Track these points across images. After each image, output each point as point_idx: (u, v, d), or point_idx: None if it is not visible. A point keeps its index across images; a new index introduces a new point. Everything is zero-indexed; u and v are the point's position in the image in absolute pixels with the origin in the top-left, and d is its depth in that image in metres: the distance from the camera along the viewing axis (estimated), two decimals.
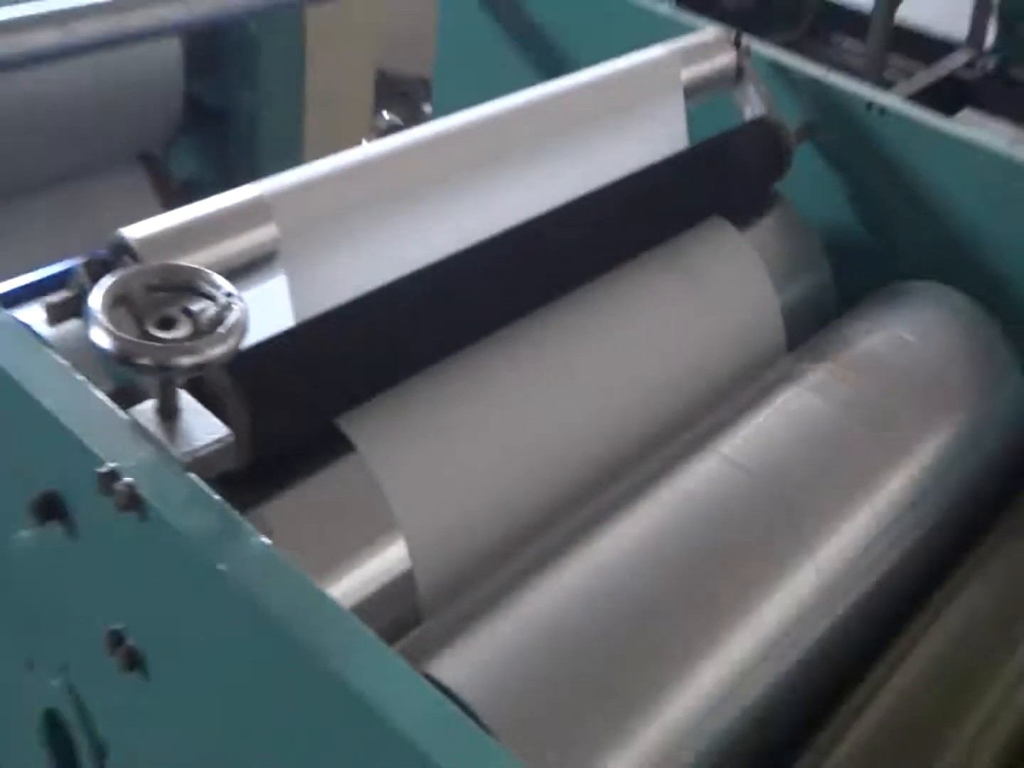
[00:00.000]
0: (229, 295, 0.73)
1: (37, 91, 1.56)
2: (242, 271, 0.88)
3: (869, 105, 1.25)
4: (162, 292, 0.74)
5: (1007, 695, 0.89)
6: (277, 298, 0.90)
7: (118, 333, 0.69)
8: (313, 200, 0.93)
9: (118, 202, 1.90)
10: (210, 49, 1.95)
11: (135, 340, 0.69)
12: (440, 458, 0.90)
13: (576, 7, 1.53)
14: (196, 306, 0.74)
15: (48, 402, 0.72)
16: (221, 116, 2.01)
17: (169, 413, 0.72)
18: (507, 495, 0.91)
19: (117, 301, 0.72)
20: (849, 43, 4.39)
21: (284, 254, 0.89)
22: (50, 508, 0.73)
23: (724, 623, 0.83)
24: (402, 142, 1.01)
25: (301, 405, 0.86)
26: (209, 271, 0.74)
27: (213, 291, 0.73)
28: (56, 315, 0.82)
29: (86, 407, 0.72)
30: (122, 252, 0.84)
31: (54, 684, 0.75)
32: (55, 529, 0.73)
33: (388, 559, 0.86)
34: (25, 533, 0.76)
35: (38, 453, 0.74)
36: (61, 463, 0.72)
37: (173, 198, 1.95)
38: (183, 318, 0.72)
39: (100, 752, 0.74)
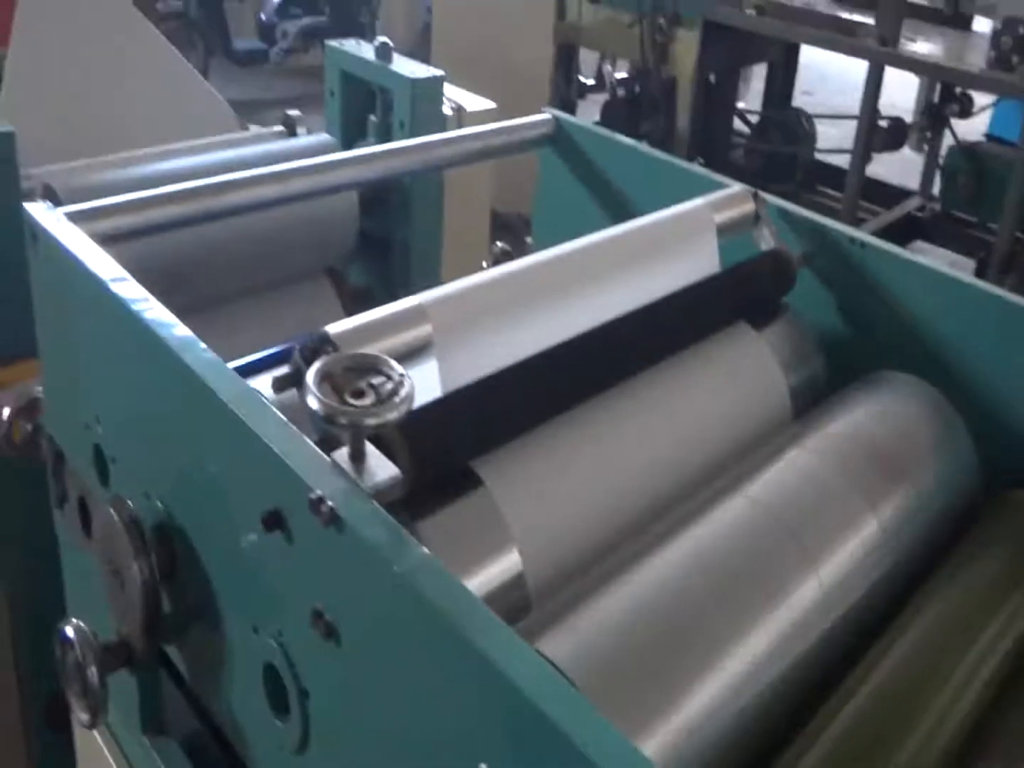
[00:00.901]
0: (401, 375, 0.75)
1: (259, 224, 1.60)
2: (406, 357, 0.90)
3: (852, 240, 1.24)
4: (354, 372, 0.76)
5: (956, 695, 0.84)
6: (430, 376, 0.92)
7: (326, 401, 0.72)
8: (456, 307, 0.95)
9: (312, 302, 1.95)
10: (377, 196, 2.00)
11: (337, 406, 0.71)
12: (544, 490, 0.90)
13: (636, 169, 1.55)
14: (377, 381, 0.76)
15: (274, 445, 0.74)
16: (384, 243, 2.04)
17: (358, 457, 0.74)
18: (593, 517, 0.92)
19: (324, 378, 0.74)
20: (830, 192, 4.38)
21: (436, 345, 0.91)
22: (275, 521, 0.74)
23: (748, 619, 0.81)
24: (517, 266, 1.03)
25: (446, 452, 0.87)
26: (387, 358, 0.76)
27: (390, 372, 0.75)
28: (279, 385, 0.85)
29: (300, 450, 0.74)
30: (325, 341, 0.87)
31: (272, 644, 0.76)
32: (277, 536, 0.75)
33: (506, 564, 0.86)
34: (254, 536, 0.78)
35: (267, 480, 0.75)
36: (283, 489, 0.74)
37: (350, 300, 2.00)
38: (369, 390, 0.74)
39: (304, 696, 0.75)
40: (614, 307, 1.04)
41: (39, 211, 1.10)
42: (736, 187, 1.31)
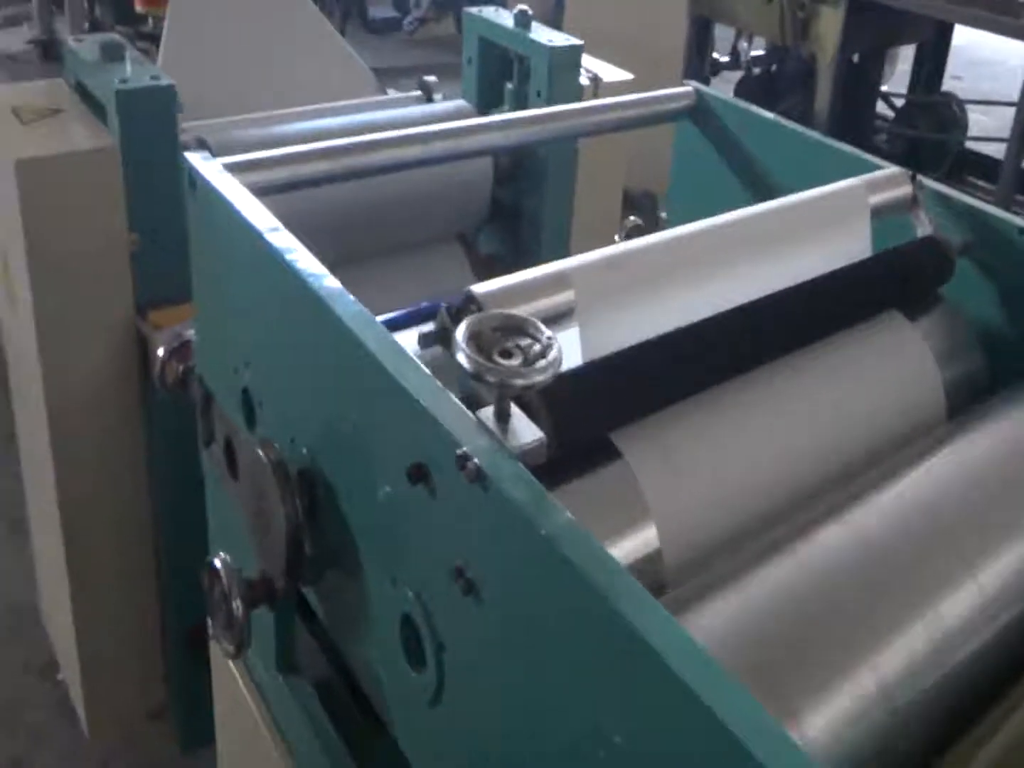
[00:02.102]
0: (549, 339, 0.74)
1: (397, 187, 1.61)
2: (548, 322, 0.89)
3: (1021, 230, 1.17)
4: (502, 332, 0.76)
5: None
6: (571, 343, 0.91)
7: (475, 357, 0.71)
8: (600, 275, 0.94)
9: (445, 266, 1.97)
10: (511, 164, 1.99)
11: (485, 363, 0.71)
12: (684, 466, 0.88)
13: (780, 146, 1.49)
14: (524, 343, 0.75)
15: (421, 400, 0.74)
16: (515, 213, 2.04)
17: (503, 417, 0.73)
18: (732, 499, 0.89)
19: (472, 337, 0.74)
20: (981, 183, 4.16)
21: (578, 312, 0.90)
22: (419, 475, 0.75)
23: (903, 618, 0.77)
24: (661, 238, 1.01)
25: (586, 421, 0.86)
26: (536, 320, 0.75)
27: (538, 334, 0.75)
28: (425, 342, 0.86)
29: (446, 406, 0.74)
30: (471, 302, 0.87)
31: (410, 596, 0.77)
32: (421, 490, 0.75)
33: (643, 539, 0.85)
34: (395, 488, 0.79)
35: (412, 434, 0.76)
36: (428, 443, 0.74)
37: (480, 267, 2.01)
38: (516, 351, 0.74)
39: (439, 648, 0.75)
40: (761, 285, 1.01)
41: (198, 160, 1.13)
42: (892, 168, 1.25)
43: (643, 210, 2.60)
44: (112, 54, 1.57)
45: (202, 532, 1.29)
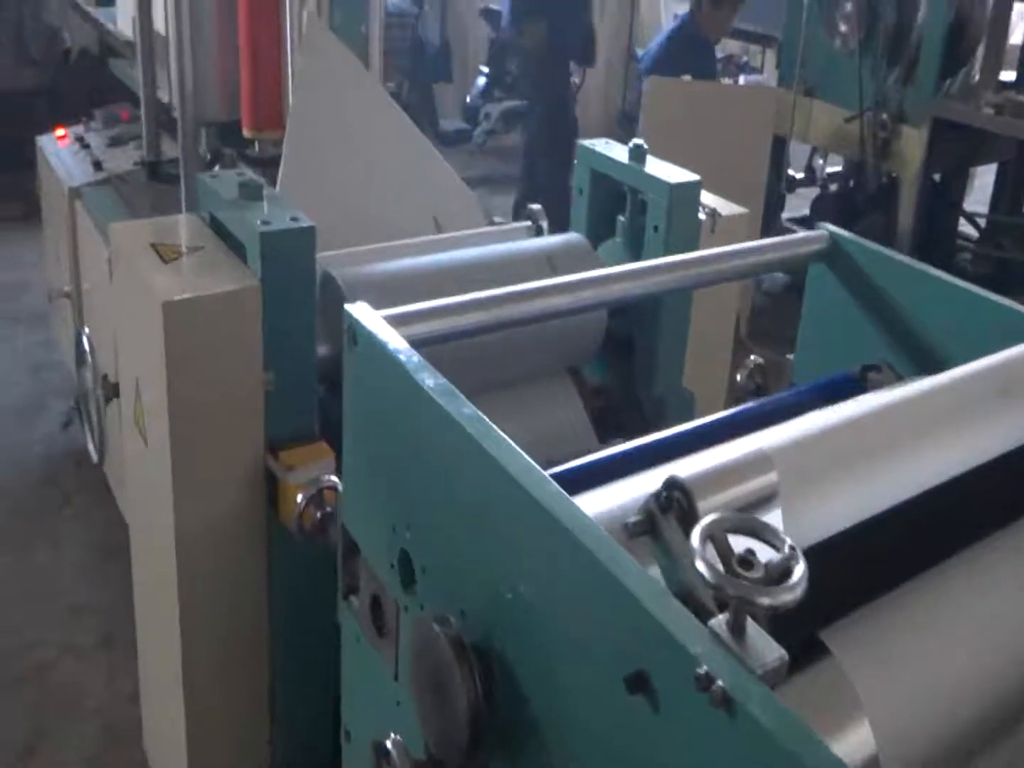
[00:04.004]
0: (792, 550, 0.71)
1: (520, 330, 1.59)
2: (751, 506, 0.86)
3: None
4: (736, 535, 0.73)
5: None
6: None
7: (717, 567, 0.68)
8: (803, 455, 0.91)
9: (554, 398, 1.97)
10: None
11: (728, 576, 0.68)
12: (900, 663, 0.83)
13: (927, 297, 1.46)
14: (760, 549, 0.72)
15: (645, 603, 0.71)
16: (627, 344, 2.03)
17: (739, 630, 0.70)
18: (952, 698, 0.84)
19: (708, 539, 0.71)
20: None
21: (782, 496, 0.87)
22: (639, 684, 0.71)
23: None
24: (859, 410, 0.98)
25: (794, 618, 0.82)
26: (775, 527, 0.72)
27: (778, 543, 0.72)
28: (633, 532, 0.83)
29: (672, 612, 0.71)
30: (676, 488, 0.84)
31: None
32: (639, 700, 0.71)
33: (856, 741, 0.80)
34: (603, 690, 0.75)
35: (630, 637, 0.73)
36: (651, 651, 0.70)
37: (589, 398, 2.00)
38: (755, 560, 0.71)
39: None
40: (959, 460, 0.97)
41: (362, 313, 1.13)
42: None
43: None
44: (251, 193, 1.61)
45: (320, 674, 1.26)
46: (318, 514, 1.43)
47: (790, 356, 1.73)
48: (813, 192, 4.98)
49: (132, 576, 1.84)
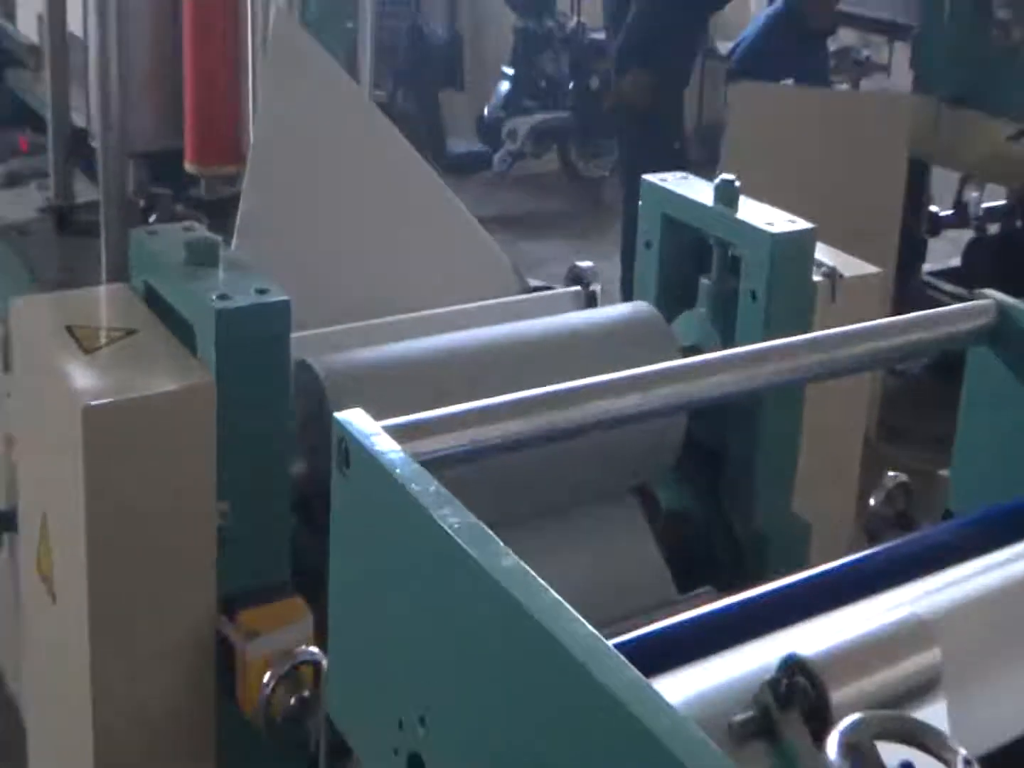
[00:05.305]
0: (968, 762, 0.72)
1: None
2: (905, 700, 0.87)
3: None
4: (887, 741, 0.74)
5: None
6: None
7: None
8: (976, 626, 0.92)
9: (613, 528, 2.00)
10: None
11: None
12: None
13: None
14: (919, 759, 0.73)
15: None
16: (715, 457, 2.06)
17: None
18: None
19: (850, 748, 0.72)
20: None
21: (946, 684, 0.88)
22: None
23: None
24: None
25: None
26: (938, 729, 0.74)
27: (946, 752, 0.73)
28: (743, 734, 0.84)
29: None
30: (799, 671, 0.86)
31: None
32: None
33: None
34: None
35: None
36: None
37: (663, 528, 2.02)
38: None
39: None
40: None
41: (358, 422, 1.16)
42: None
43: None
44: (203, 255, 1.67)
45: None
46: (292, 700, 1.44)
47: (944, 472, 1.74)
48: (965, 235, 5.04)
49: None
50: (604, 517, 1.99)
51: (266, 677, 1.45)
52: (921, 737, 0.73)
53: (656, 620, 1.25)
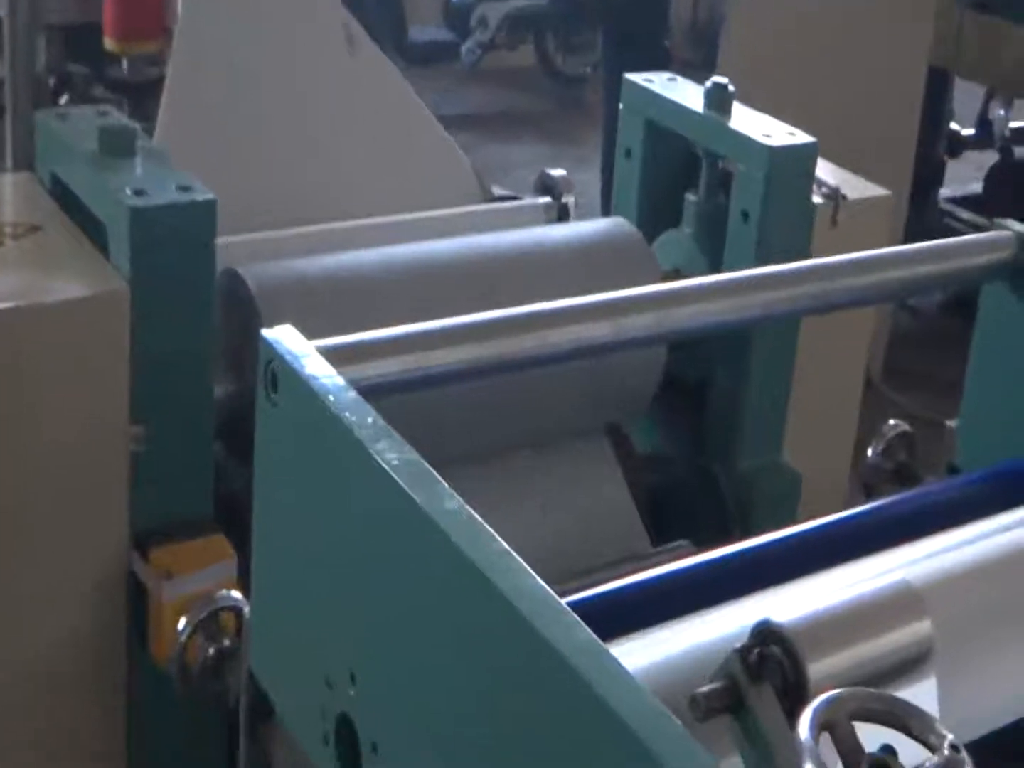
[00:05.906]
0: (955, 748, 0.72)
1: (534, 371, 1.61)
2: (891, 675, 0.88)
3: None
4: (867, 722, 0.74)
5: None
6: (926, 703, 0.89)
7: None
8: (970, 594, 0.92)
9: (582, 470, 2.00)
10: None
11: None
12: None
13: None
14: (901, 741, 0.73)
15: None
16: (697, 394, 2.06)
17: None
18: None
19: (822, 729, 0.73)
20: None
21: (938, 658, 0.89)
22: None
23: None
24: None
25: None
26: (928, 713, 0.74)
27: (929, 734, 0.73)
28: (706, 708, 0.84)
29: None
30: (772, 639, 0.86)
31: None
32: None
33: None
34: None
35: None
36: None
37: (636, 473, 2.02)
38: (895, 765, 0.72)
39: None
40: None
41: (289, 341, 1.14)
42: None
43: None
44: (118, 145, 1.64)
45: None
46: (210, 650, 1.43)
47: (951, 423, 1.75)
48: (989, 157, 5.03)
49: None
50: (570, 460, 1.99)
51: (182, 623, 1.44)
52: (905, 719, 0.74)
53: (621, 576, 1.26)
